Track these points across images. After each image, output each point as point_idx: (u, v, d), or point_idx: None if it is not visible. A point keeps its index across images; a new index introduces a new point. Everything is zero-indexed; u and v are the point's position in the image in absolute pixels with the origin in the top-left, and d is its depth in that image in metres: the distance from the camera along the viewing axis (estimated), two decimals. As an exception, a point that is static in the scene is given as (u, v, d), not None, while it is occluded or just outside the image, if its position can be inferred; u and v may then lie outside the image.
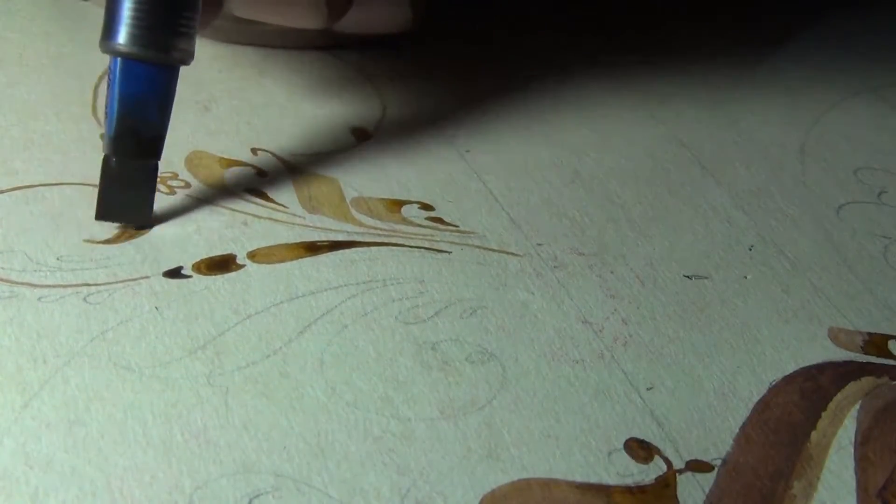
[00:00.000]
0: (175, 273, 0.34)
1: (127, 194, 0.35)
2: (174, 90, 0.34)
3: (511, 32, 0.52)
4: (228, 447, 0.28)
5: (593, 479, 0.28)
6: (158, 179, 0.37)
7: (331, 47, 0.46)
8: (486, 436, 0.29)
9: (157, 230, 0.35)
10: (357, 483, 0.27)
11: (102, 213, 0.35)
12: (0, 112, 0.40)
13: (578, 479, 0.28)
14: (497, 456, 0.29)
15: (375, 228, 0.37)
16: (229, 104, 0.43)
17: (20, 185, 0.36)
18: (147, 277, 0.33)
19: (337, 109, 0.43)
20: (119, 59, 0.33)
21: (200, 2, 0.34)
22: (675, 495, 0.28)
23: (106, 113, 0.34)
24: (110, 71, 0.34)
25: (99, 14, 0.34)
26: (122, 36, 0.33)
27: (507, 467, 0.28)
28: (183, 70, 0.34)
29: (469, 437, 0.29)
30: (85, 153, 0.38)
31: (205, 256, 0.35)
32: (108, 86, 0.34)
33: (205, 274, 0.34)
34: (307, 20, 0.39)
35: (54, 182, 0.34)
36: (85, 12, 0.47)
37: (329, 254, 0.35)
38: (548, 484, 0.28)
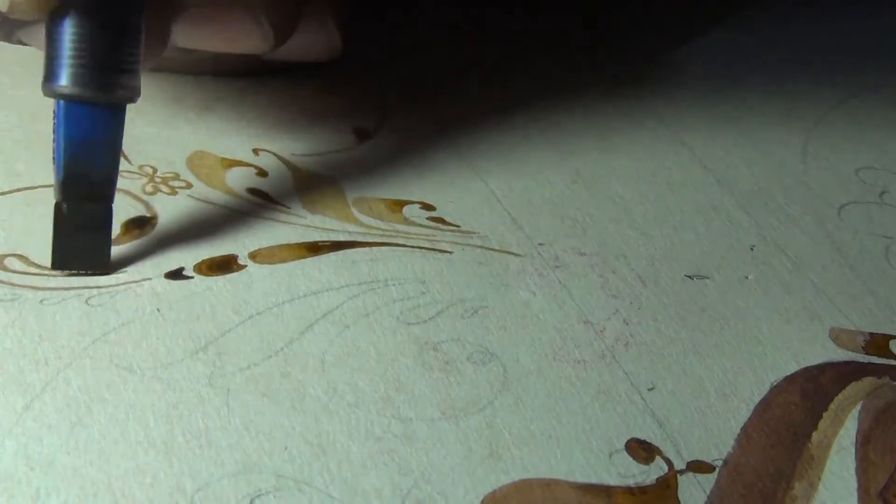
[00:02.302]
0: (176, 274, 0.34)
1: (82, 240, 0.33)
2: (122, 130, 0.33)
3: (509, 33, 0.52)
4: (230, 448, 0.28)
5: (594, 480, 0.28)
6: (160, 179, 0.37)
7: (257, 74, 0.45)
8: (487, 436, 0.29)
9: (159, 231, 0.35)
10: (358, 483, 0.27)
11: (58, 262, 0.33)
12: (2, 113, 0.40)
13: (579, 479, 0.28)
14: (498, 456, 0.29)
15: (377, 228, 0.37)
16: (231, 105, 0.43)
17: (22, 186, 0.36)
18: (149, 279, 0.33)
19: (338, 110, 0.43)
20: (62, 101, 0.32)
21: (143, 37, 0.32)
22: (676, 496, 0.28)
23: (53, 158, 0.32)
24: (55, 114, 0.32)
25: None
26: (64, 77, 0.31)
27: (508, 468, 0.28)
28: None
29: (470, 438, 0.29)
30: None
31: (206, 257, 0.35)
32: (54, 129, 0.32)
33: (206, 275, 0.34)
34: (253, 46, 0.38)
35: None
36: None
37: (330, 254, 0.35)
38: (549, 485, 0.28)
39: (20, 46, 0.38)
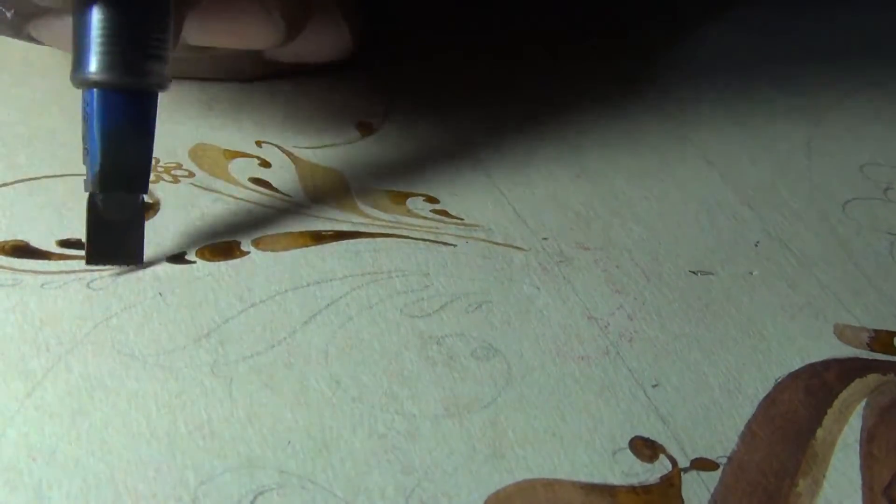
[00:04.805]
0: (179, 258, 0.34)
1: (118, 232, 0.32)
2: (155, 117, 0.32)
3: (514, 29, 0.52)
4: (233, 440, 0.28)
5: (598, 479, 0.28)
6: (162, 168, 0.37)
7: (268, 77, 0.44)
8: (490, 434, 0.29)
9: (161, 216, 0.35)
10: (361, 481, 0.27)
11: (94, 257, 0.32)
12: (5, 110, 0.40)
13: (583, 478, 0.28)
14: (502, 455, 0.29)
15: (380, 220, 0.36)
16: (233, 100, 0.42)
17: (24, 177, 0.36)
18: (150, 263, 0.33)
19: (342, 104, 0.43)
20: (95, 90, 0.31)
21: (172, 23, 0.32)
22: (680, 494, 0.28)
23: (86, 149, 0.31)
24: (86, 104, 0.31)
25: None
26: (94, 64, 0.30)
27: (511, 467, 0.28)
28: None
29: (474, 436, 0.29)
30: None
31: (209, 243, 0.35)
32: (85, 120, 0.31)
33: (208, 260, 0.34)
34: (265, 39, 0.37)
35: (59, 174, 0.34)
36: None
37: (334, 243, 0.35)
38: (552, 485, 0.28)
39: (19, 43, 0.37)
